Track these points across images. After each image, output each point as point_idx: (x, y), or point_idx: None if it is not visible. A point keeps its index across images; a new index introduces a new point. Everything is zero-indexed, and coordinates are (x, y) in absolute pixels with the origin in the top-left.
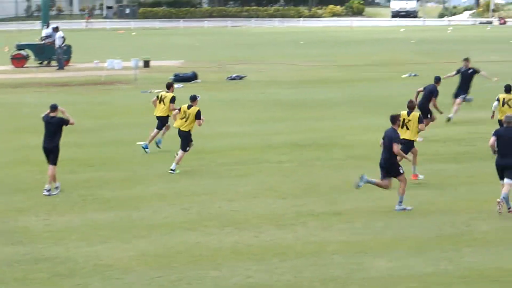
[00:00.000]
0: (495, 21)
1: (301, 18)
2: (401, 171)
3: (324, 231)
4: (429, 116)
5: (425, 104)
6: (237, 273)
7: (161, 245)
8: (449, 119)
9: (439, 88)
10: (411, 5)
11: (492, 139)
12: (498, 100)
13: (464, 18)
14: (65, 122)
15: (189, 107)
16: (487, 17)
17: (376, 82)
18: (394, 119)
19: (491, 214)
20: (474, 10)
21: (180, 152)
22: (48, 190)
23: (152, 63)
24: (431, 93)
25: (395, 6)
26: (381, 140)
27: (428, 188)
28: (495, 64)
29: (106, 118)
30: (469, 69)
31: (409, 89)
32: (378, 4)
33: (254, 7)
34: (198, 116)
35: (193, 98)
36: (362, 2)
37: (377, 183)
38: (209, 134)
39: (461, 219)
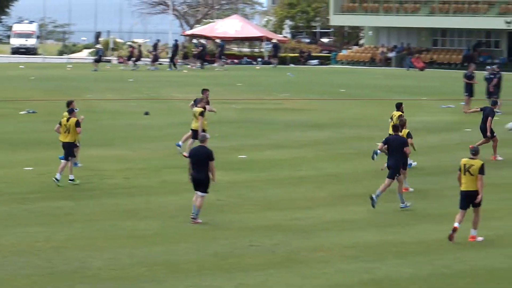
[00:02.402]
0: (115, 60)
1: None
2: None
3: None
4: (492, 135)
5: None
6: None
7: None
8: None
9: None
10: (31, 42)
11: (188, 160)
12: (391, 118)
13: (84, 56)
14: None
15: (68, 119)
16: (107, 56)
17: None
18: (397, 128)
19: (105, 251)
20: (93, 49)
21: (63, 162)
22: None
23: None
24: (488, 115)
25: (15, 42)
26: (381, 145)
27: (45, 225)
28: (111, 102)
29: None
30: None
31: (27, 126)
32: None
33: None
34: (77, 125)
35: (71, 111)
36: None
37: (383, 190)
38: None
39: (76, 256)
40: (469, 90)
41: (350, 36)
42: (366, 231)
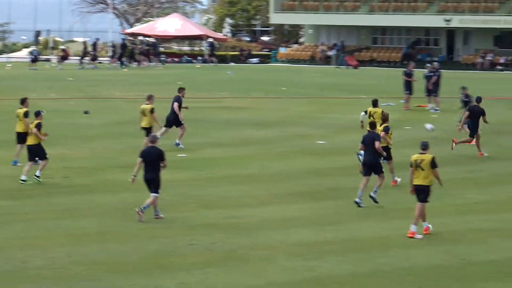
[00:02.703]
0: (54, 59)
1: None
2: (382, 169)
3: None
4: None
5: (475, 124)
6: None
7: None
8: None
9: None
10: None
11: (139, 160)
12: (366, 112)
13: (23, 55)
14: None
15: (33, 123)
16: (47, 55)
17: None
18: (374, 125)
19: (46, 250)
20: (29, 49)
21: (43, 161)
22: None
23: None
24: (480, 113)
25: None
26: (361, 145)
27: None
28: (54, 101)
29: None
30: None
31: None
32: None
33: None
34: (37, 127)
35: (37, 114)
36: None
37: (363, 187)
38: None
39: (17, 255)
40: (409, 88)
41: (290, 34)
42: (308, 229)
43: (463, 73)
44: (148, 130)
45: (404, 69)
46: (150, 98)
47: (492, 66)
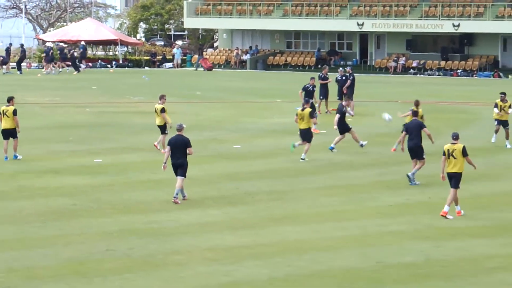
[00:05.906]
0: None
1: None
2: (424, 156)
3: None
4: None
5: None
6: None
7: None
8: None
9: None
10: None
11: (167, 148)
12: (496, 105)
13: None
14: None
15: None
16: None
17: None
18: (417, 113)
19: None
20: None
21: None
22: None
23: None
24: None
25: None
26: (403, 132)
27: None
28: None
29: None
30: None
31: None
32: None
33: None
34: None
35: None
36: None
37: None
38: None
39: None
40: (321, 92)
41: (205, 38)
42: (224, 233)
43: (377, 77)
44: (162, 128)
45: (319, 73)
46: (162, 97)
47: (405, 69)
